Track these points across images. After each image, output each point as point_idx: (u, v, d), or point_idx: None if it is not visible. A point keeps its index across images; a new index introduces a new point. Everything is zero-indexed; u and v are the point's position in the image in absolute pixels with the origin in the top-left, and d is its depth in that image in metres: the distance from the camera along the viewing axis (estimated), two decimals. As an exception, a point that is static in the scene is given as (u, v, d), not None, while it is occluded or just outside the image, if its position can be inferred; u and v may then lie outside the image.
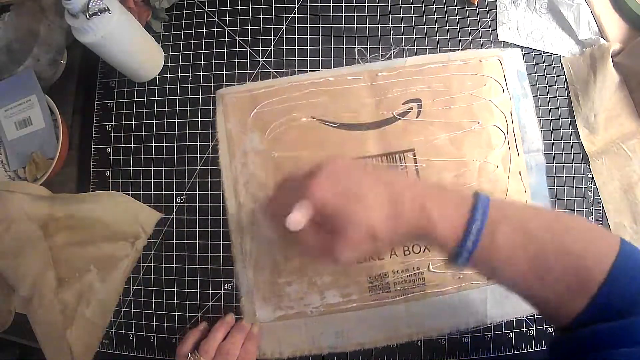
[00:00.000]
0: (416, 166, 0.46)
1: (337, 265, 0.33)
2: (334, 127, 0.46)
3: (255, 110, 0.46)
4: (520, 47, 0.50)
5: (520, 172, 0.47)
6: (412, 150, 0.46)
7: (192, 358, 0.41)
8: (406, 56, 0.48)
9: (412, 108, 0.47)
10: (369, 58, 0.48)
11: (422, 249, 0.45)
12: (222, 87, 0.48)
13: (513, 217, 0.31)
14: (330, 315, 0.44)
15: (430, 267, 0.45)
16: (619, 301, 0.28)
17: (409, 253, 0.45)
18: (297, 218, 0.30)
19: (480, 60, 0.48)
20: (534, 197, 0.47)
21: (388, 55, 0.48)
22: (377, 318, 0.45)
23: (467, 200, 0.31)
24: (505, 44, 0.50)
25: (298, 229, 0.30)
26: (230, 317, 0.45)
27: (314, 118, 0.46)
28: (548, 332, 0.46)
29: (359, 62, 0.48)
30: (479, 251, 0.30)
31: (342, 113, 0.46)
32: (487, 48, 0.49)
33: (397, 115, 0.46)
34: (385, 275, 0.45)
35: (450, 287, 0.45)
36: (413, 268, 0.45)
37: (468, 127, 0.46)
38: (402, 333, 0.45)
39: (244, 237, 0.45)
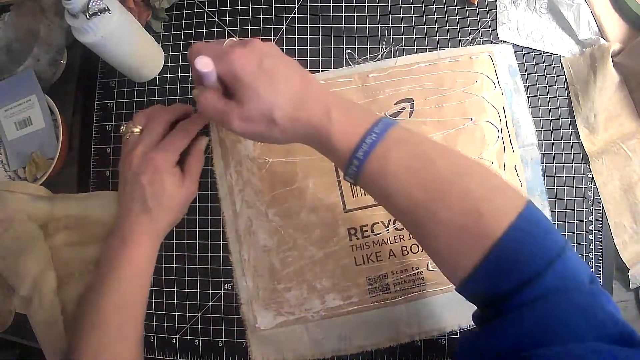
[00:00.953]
0: None
1: (230, 131, 0.35)
2: None
3: None
4: (520, 47, 0.50)
5: (515, 166, 0.47)
6: None
7: (123, 127, 0.43)
8: (403, 56, 0.48)
9: (404, 108, 0.47)
10: (368, 58, 0.48)
11: (421, 249, 0.45)
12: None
13: (415, 143, 0.31)
14: (331, 319, 0.44)
15: (429, 266, 0.45)
16: (508, 266, 0.27)
17: (408, 253, 0.45)
18: (207, 60, 0.32)
19: (470, 57, 0.48)
20: (530, 192, 0.47)
21: (383, 55, 0.48)
22: (378, 319, 0.45)
23: (372, 118, 0.32)
24: (496, 43, 0.49)
25: (204, 70, 0.32)
26: (190, 108, 0.45)
27: None
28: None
29: (357, 63, 0.48)
30: (370, 164, 0.31)
31: None
32: (477, 44, 0.49)
33: (390, 115, 0.46)
34: (385, 276, 0.45)
35: (450, 285, 0.45)
36: (412, 268, 0.45)
37: (461, 125, 0.46)
38: (404, 333, 0.45)
39: (241, 245, 0.45)
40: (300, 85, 0.33)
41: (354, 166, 0.32)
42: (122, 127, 0.43)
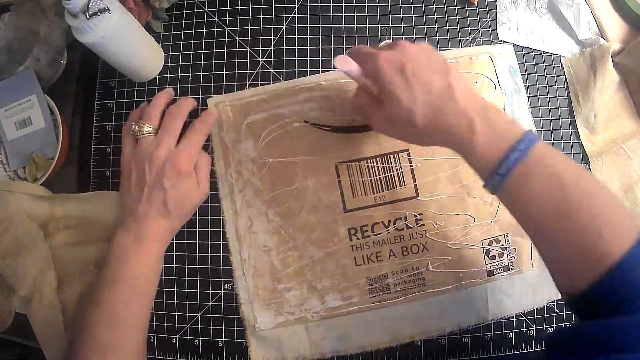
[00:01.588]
0: (411, 165, 0.46)
1: (371, 126, 0.39)
2: (328, 130, 0.46)
3: (248, 118, 0.46)
4: (520, 47, 0.50)
5: None
6: (407, 150, 0.46)
7: (136, 127, 0.41)
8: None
9: None
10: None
11: (421, 249, 0.45)
12: (222, 87, 0.48)
13: (553, 163, 0.32)
14: (331, 319, 0.44)
15: (430, 266, 0.45)
16: (627, 287, 0.28)
17: (408, 253, 0.45)
18: (345, 60, 0.36)
19: (470, 58, 0.48)
20: None
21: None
22: (378, 320, 0.45)
23: (517, 132, 0.33)
24: (496, 43, 0.49)
25: (344, 69, 0.37)
26: (170, 90, 0.45)
27: (307, 122, 0.46)
28: (548, 332, 0.46)
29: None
30: (510, 181, 0.32)
31: (336, 116, 0.46)
32: (477, 45, 0.49)
33: None
34: (385, 276, 0.45)
35: (450, 286, 0.45)
36: (412, 268, 0.45)
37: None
38: (404, 334, 0.45)
39: (241, 244, 0.45)
40: (443, 91, 0.34)
41: (495, 181, 0.33)
42: (134, 127, 0.41)
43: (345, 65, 0.36)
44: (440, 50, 0.49)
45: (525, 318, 0.46)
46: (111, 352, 0.37)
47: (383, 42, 0.39)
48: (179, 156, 0.40)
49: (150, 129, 0.41)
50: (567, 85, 0.50)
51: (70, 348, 0.38)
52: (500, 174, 0.32)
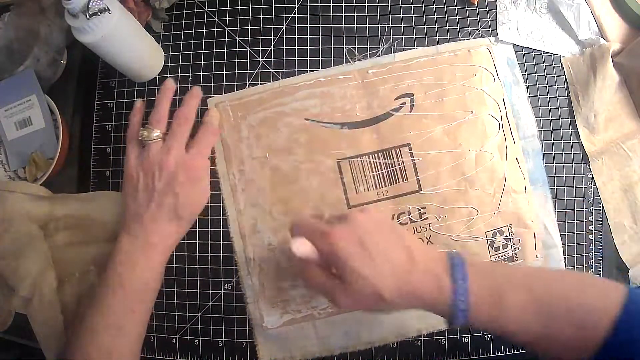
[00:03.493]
0: (413, 160, 0.46)
1: (335, 306, 0.36)
2: (328, 127, 0.46)
3: (248, 117, 0.46)
4: (520, 47, 0.50)
5: (517, 158, 0.47)
6: (408, 144, 0.46)
7: (145, 133, 0.41)
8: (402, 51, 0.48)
9: (404, 103, 0.47)
10: (368, 54, 0.48)
11: (425, 243, 0.45)
12: (222, 87, 0.48)
13: (518, 283, 0.32)
14: (338, 315, 0.44)
15: None
16: (626, 349, 0.29)
17: None
18: (304, 244, 0.33)
19: (469, 51, 0.48)
20: (533, 183, 0.47)
21: (382, 52, 0.48)
22: (385, 315, 0.44)
23: (443, 264, 0.33)
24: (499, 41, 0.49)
25: (304, 255, 0.33)
26: (169, 83, 0.44)
27: (307, 120, 0.46)
28: (548, 332, 0.46)
29: (357, 60, 0.48)
30: (477, 310, 0.32)
31: (336, 113, 0.46)
32: (475, 37, 0.49)
33: (391, 111, 0.46)
34: None
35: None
36: None
37: (462, 118, 0.46)
38: (412, 328, 0.45)
39: (246, 244, 0.45)
40: (406, 259, 0.33)
41: (459, 318, 0.32)
42: (142, 133, 0.41)
43: (306, 249, 0.33)
44: (439, 45, 0.49)
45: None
46: (110, 357, 0.37)
47: (327, 215, 0.38)
48: (192, 162, 0.41)
49: (159, 133, 0.41)
50: (567, 85, 0.50)
51: (69, 348, 0.38)
52: (461, 300, 0.32)
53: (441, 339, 0.45)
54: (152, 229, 0.40)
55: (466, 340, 0.46)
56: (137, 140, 0.42)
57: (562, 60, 0.50)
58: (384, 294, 0.32)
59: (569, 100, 0.50)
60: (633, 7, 0.49)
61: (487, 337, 0.46)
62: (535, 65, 0.50)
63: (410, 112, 0.46)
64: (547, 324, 0.31)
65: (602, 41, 0.50)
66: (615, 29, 0.50)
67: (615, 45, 0.49)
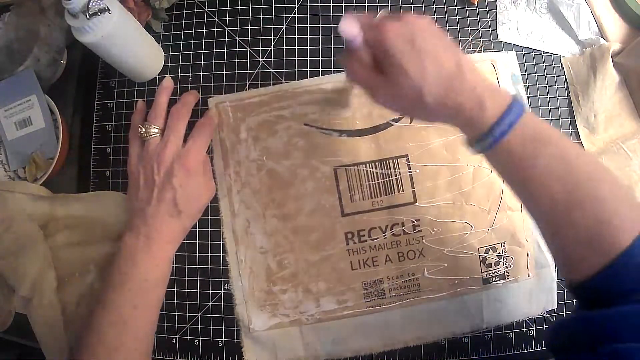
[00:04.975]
0: (410, 171, 0.45)
1: (374, 102, 0.35)
2: (327, 133, 0.46)
3: (248, 119, 0.46)
4: (520, 47, 0.50)
5: None
6: (406, 155, 0.46)
7: (143, 129, 0.42)
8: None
9: None
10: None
11: (417, 255, 0.45)
12: (222, 87, 0.48)
13: (561, 148, 0.31)
14: (326, 322, 0.44)
15: (426, 272, 0.45)
16: (633, 276, 0.28)
17: (404, 259, 0.45)
18: (353, 25, 0.32)
19: None
20: None
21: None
22: (372, 324, 0.45)
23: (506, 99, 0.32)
24: (501, 46, 0.49)
25: (350, 34, 0.32)
26: (167, 81, 0.45)
27: (306, 125, 0.46)
28: (548, 332, 0.46)
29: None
30: (509, 144, 0.31)
31: (335, 120, 0.46)
32: (479, 51, 0.49)
33: (391, 121, 0.46)
34: (381, 281, 0.45)
35: (445, 293, 0.45)
36: (408, 274, 0.45)
37: (461, 132, 0.46)
38: (398, 339, 0.45)
39: (238, 245, 0.45)
40: (454, 69, 0.31)
41: (492, 136, 0.31)
42: (141, 129, 0.42)
43: (352, 30, 0.32)
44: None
45: (525, 318, 0.46)
46: (118, 354, 0.37)
47: (380, 13, 0.35)
48: (187, 155, 0.41)
49: (157, 129, 0.42)
50: (567, 85, 0.50)
51: (76, 348, 0.38)
52: (500, 130, 0.31)
53: (441, 339, 0.45)
54: (154, 224, 0.40)
55: (466, 340, 0.46)
56: (139, 139, 0.43)
57: (562, 60, 0.50)
58: (425, 96, 0.31)
59: (569, 100, 0.50)
60: (633, 7, 0.49)
61: (487, 337, 0.46)
62: (535, 65, 0.50)
63: (410, 123, 0.46)
64: (571, 195, 0.30)
65: (602, 41, 0.50)
66: (615, 29, 0.50)
67: (615, 45, 0.49)
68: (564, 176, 0.30)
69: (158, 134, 0.42)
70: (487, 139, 0.31)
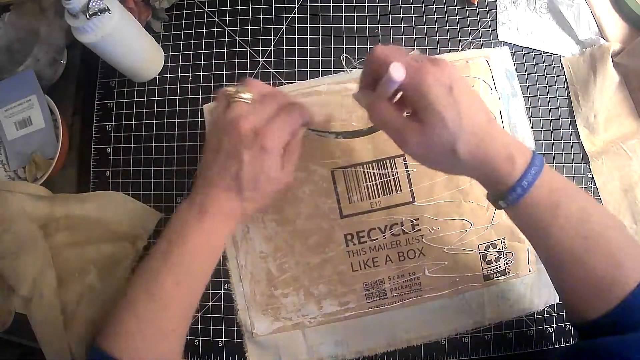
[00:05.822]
0: (407, 171, 0.45)
1: (403, 150, 0.34)
2: (324, 135, 0.45)
3: None
4: (520, 47, 0.50)
5: None
6: (403, 155, 0.46)
7: (233, 89, 0.36)
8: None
9: None
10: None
11: (418, 254, 0.45)
12: (221, 87, 0.47)
13: (576, 197, 0.33)
14: (328, 324, 0.44)
15: (426, 271, 0.45)
16: (637, 315, 0.30)
17: (404, 259, 0.45)
18: (402, 69, 0.30)
19: (467, 62, 0.48)
20: None
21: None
22: (375, 325, 0.45)
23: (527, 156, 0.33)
24: (496, 43, 0.49)
25: (397, 80, 0.30)
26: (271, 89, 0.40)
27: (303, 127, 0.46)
28: (548, 332, 0.46)
29: (354, 67, 0.48)
30: (532, 197, 0.32)
31: (332, 121, 0.46)
32: (475, 48, 0.49)
33: None
34: (382, 281, 0.45)
35: (447, 291, 0.45)
36: (409, 273, 0.45)
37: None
38: (401, 339, 0.45)
39: (238, 250, 0.45)
40: (485, 123, 0.32)
41: (517, 193, 0.32)
42: (230, 89, 0.36)
43: (401, 74, 0.30)
44: (440, 51, 0.49)
45: (525, 318, 0.46)
46: (151, 330, 0.34)
47: (413, 52, 0.35)
48: (269, 129, 0.35)
49: (249, 96, 0.36)
50: (567, 85, 0.50)
51: (106, 320, 0.35)
52: (522, 186, 0.32)
53: (441, 339, 0.45)
54: (210, 193, 0.36)
55: (466, 340, 0.46)
56: (225, 99, 0.37)
57: (562, 60, 0.50)
58: (459, 146, 0.31)
59: (569, 100, 0.50)
60: (633, 7, 0.49)
61: (487, 337, 0.46)
62: (535, 65, 0.50)
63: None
64: (587, 240, 0.31)
65: (602, 41, 0.50)
66: (615, 29, 0.50)
67: (615, 45, 0.49)
68: (581, 223, 0.32)
69: (247, 100, 0.36)
70: (514, 192, 0.32)
